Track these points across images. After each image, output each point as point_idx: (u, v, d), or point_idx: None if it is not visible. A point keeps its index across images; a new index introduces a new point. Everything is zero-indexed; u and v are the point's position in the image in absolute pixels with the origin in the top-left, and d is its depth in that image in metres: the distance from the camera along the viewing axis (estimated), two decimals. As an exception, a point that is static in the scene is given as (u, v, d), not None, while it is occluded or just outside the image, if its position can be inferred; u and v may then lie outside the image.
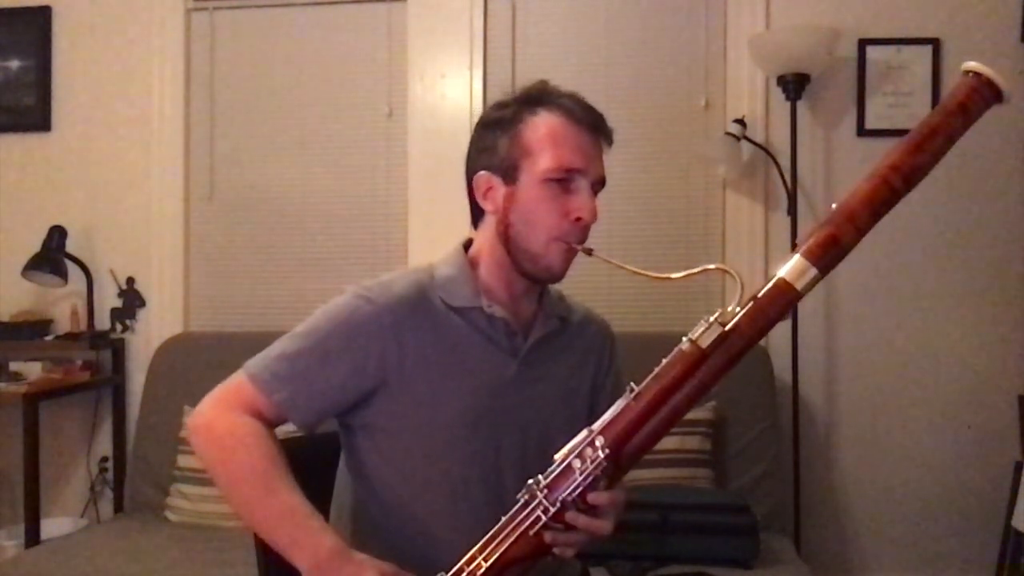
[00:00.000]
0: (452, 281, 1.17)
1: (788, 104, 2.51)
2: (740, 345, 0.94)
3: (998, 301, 2.59)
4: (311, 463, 1.23)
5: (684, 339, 0.95)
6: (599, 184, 1.15)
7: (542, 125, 1.13)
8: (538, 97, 1.15)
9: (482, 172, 1.17)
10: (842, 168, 2.63)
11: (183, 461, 2.45)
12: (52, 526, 2.63)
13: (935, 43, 2.58)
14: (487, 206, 1.18)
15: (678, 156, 2.68)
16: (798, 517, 2.49)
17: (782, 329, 2.56)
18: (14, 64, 2.94)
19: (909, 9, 2.61)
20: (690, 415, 2.49)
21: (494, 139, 1.16)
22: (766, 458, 2.38)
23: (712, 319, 0.94)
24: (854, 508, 2.63)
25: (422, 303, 1.14)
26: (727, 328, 0.94)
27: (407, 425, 1.13)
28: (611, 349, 1.31)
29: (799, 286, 0.93)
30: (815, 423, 2.63)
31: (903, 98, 2.59)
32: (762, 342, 2.65)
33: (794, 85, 2.47)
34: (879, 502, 2.62)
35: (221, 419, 1.09)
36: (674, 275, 1.02)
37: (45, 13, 2.92)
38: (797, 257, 0.94)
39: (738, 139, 2.54)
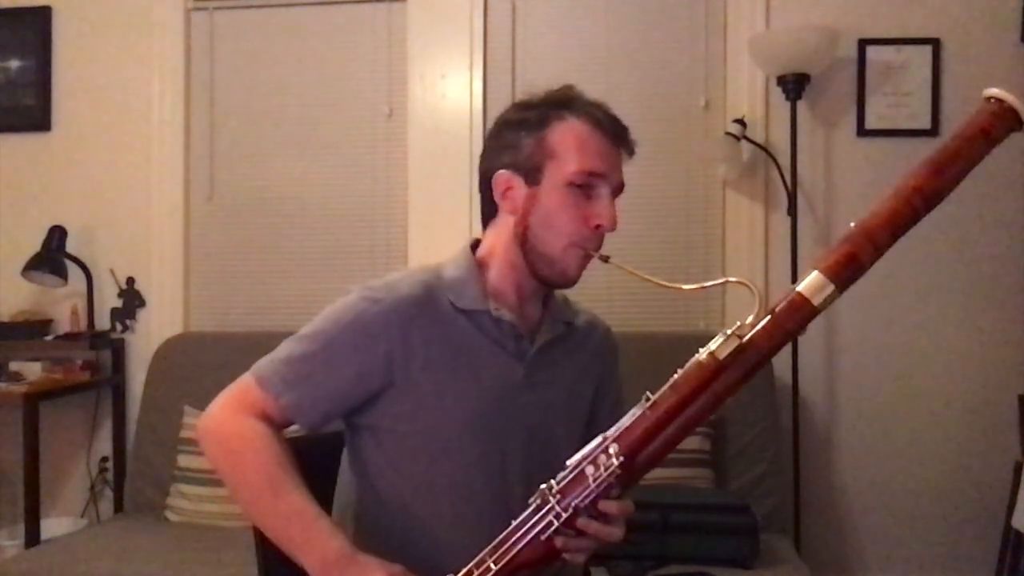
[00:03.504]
0: (459, 283, 1.17)
1: (788, 104, 2.51)
2: (756, 359, 0.96)
3: (998, 301, 2.59)
4: (316, 460, 1.23)
5: (702, 351, 0.95)
6: (618, 192, 1.16)
7: (569, 130, 1.13)
8: (566, 102, 1.16)
9: (503, 171, 1.16)
10: (842, 168, 2.63)
11: (183, 461, 2.45)
12: (52, 526, 2.63)
13: (935, 43, 2.58)
14: (505, 206, 1.17)
15: (678, 156, 2.68)
16: (798, 517, 2.49)
17: (782, 329, 2.56)
18: (14, 64, 2.94)
19: (909, 9, 2.61)
20: (690, 415, 2.48)
21: (518, 138, 1.15)
22: (766, 458, 2.38)
23: (730, 332, 0.94)
24: (854, 508, 2.63)
25: (429, 303, 1.14)
26: (744, 341, 0.94)
27: (413, 426, 1.13)
28: (614, 355, 1.31)
29: (816, 302, 0.94)
30: (815, 423, 2.63)
31: (903, 98, 2.59)
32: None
33: (794, 85, 2.46)
34: (879, 502, 2.62)
35: (229, 422, 1.10)
36: (686, 286, 1.03)
37: (45, 13, 2.92)
38: (815, 273, 0.94)
39: (738, 139, 2.54)
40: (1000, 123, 0.93)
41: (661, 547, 2.01)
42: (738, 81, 2.65)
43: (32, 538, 2.44)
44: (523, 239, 1.14)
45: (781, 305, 0.96)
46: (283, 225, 2.86)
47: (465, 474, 1.13)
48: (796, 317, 0.95)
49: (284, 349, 1.14)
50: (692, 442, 2.29)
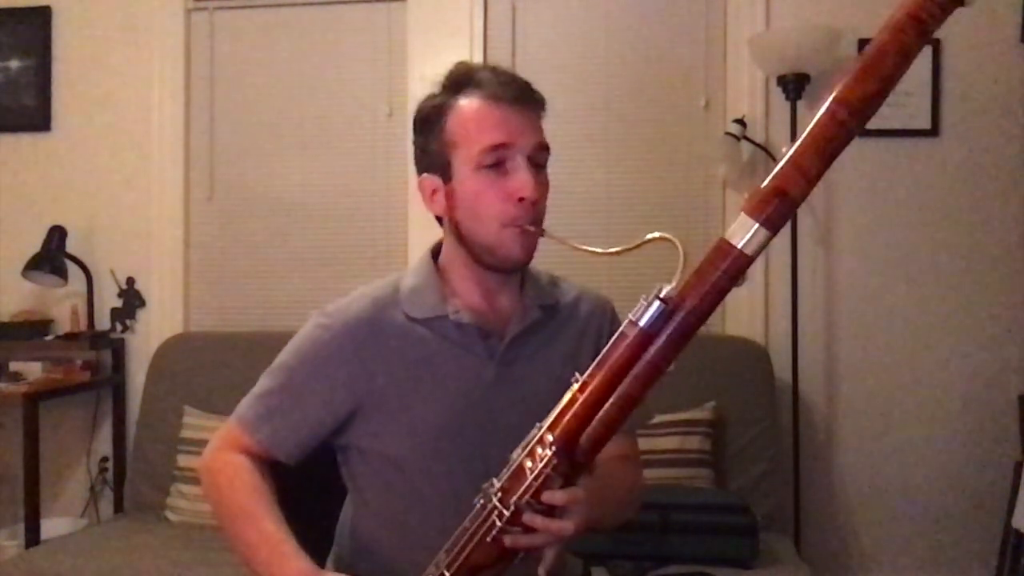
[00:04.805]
0: (416, 292, 1.15)
1: (788, 104, 2.51)
2: (688, 321, 0.86)
3: (998, 301, 2.59)
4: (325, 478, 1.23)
5: (626, 320, 0.89)
6: (541, 153, 1.10)
7: (463, 112, 1.09)
8: (457, 84, 1.12)
9: (424, 175, 1.15)
10: (842, 169, 2.62)
11: (183, 461, 2.45)
12: (52, 526, 2.62)
13: (935, 43, 2.58)
14: (435, 209, 1.16)
15: (678, 156, 2.68)
16: (798, 517, 2.49)
17: (782, 329, 2.56)
18: (14, 64, 2.94)
19: (909, 9, 2.60)
20: (690, 415, 2.51)
21: (425, 140, 1.14)
22: (766, 458, 2.37)
23: (651, 295, 0.88)
24: (854, 508, 2.63)
25: (380, 320, 1.13)
26: (669, 303, 0.87)
27: (389, 442, 1.13)
28: (611, 325, 1.23)
29: (745, 247, 0.84)
30: (815, 423, 2.63)
31: (903, 98, 2.59)
32: (762, 342, 2.66)
33: (794, 85, 2.46)
34: (879, 502, 2.61)
35: (214, 460, 1.15)
36: (615, 249, 0.97)
37: (45, 13, 2.92)
38: (741, 215, 0.84)
39: (738, 139, 2.54)
40: (930, 3, 0.79)
41: (661, 547, 2.01)
42: (738, 81, 2.65)
43: (32, 538, 2.44)
44: (458, 235, 1.13)
45: (706, 257, 0.87)
46: (283, 225, 2.85)
47: (448, 482, 1.11)
48: (725, 267, 0.85)
49: (258, 386, 1.17)
50: (692, 442, 2.29)
